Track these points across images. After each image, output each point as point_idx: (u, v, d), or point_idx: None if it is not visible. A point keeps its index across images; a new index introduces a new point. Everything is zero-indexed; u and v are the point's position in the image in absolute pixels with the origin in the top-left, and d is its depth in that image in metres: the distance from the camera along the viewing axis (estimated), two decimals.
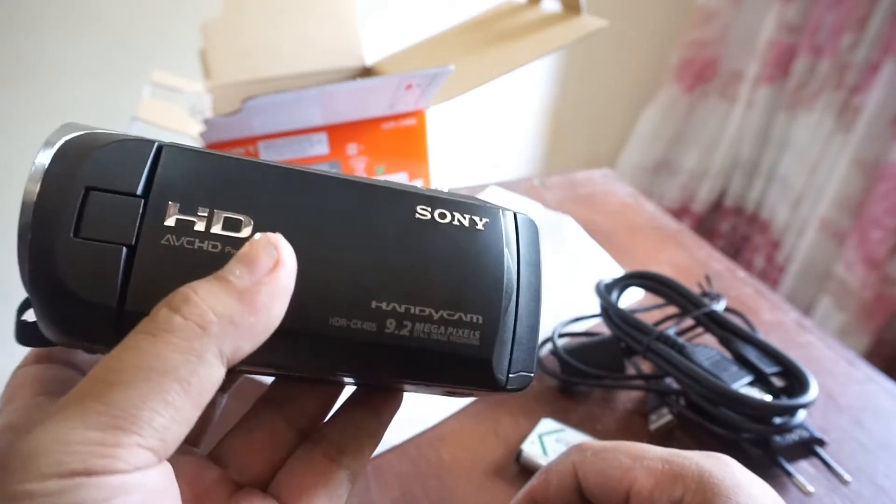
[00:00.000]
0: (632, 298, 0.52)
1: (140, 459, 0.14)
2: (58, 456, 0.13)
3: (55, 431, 0.13)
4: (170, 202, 0.17)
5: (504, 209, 0.20)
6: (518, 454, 0.38)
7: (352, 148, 0.50)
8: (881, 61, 1.02)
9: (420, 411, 0.42)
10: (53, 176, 0.16)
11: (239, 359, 0.16)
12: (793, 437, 0.38)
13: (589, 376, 0.43)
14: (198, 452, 0.20)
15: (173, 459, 0.16)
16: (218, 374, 0.15)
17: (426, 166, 0.54)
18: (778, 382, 0.39)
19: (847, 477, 0.37)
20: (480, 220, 0.19)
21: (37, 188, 0.16)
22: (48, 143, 0.17)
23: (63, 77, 1.07)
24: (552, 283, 0.55)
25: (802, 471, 0.38)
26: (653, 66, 1.44)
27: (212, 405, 0.21)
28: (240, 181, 0.18)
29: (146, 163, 0.17)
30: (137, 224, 0.16)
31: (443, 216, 0.19)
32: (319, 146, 0.49)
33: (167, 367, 0.14)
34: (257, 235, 0.17)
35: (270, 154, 0.48)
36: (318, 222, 0.18)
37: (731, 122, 1.31)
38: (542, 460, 0.37)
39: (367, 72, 0.62)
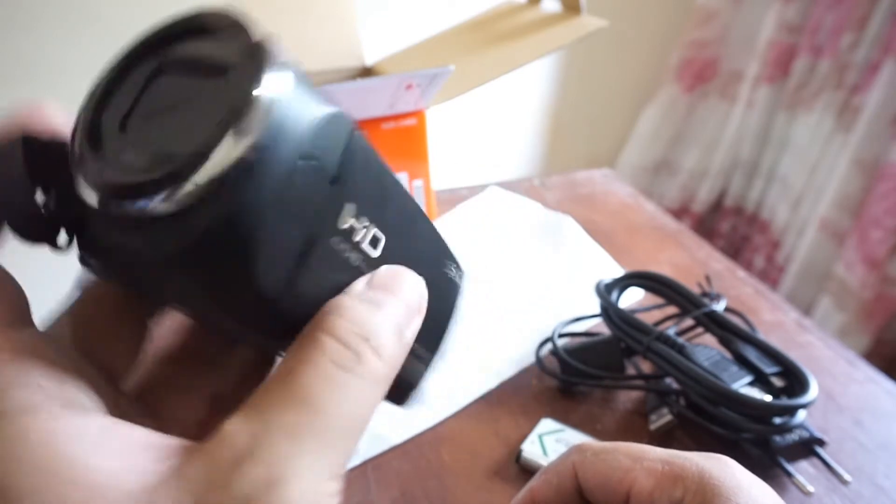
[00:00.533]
0: (632, 298, 0.52)
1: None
2: None
3: (309, 477, 0.13)
4: (349, 204, 0.15)
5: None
6: (518, 454, 0.38)
7: None
8: (881, 61, 1.02)
9: (420, 411, 0.42)
10: (275, 135, 0.14)
11: None
12: (793, 437, 0.38)
13: (589, 376, 0.43)
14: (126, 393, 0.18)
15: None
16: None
17: (426, 166, 0.54)
18: (778, 382, 0.39)
19: (847, 477, 0.37)
20: (458, 271, 0.21)
21: (258, 128, 0.13)
22: (279, 66, 0.14)
23: (63, 77, 1.07)
24: (552, 283, 0.55)
25: (802, 471, 0.38)
26: (653, 66, 1.44)
27: (143, 338, 0.19)
28: (385, 196, 0.17)
29: (341, 143, 0.15)
30: (320, 213, 0.15)
31: (453, 270, 0.21)
32: None
33: (367, 417, 0.15)
34: (414, 278, 0.17)
35: None
36: (410, 262, 0.18)
37: (731, 122, 1.31)
38: (543, 460, 0.37)
39: (367, 72, 0.62)
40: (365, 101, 0.47)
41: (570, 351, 0.44)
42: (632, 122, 1.46)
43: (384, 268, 0.17)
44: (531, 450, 0.38)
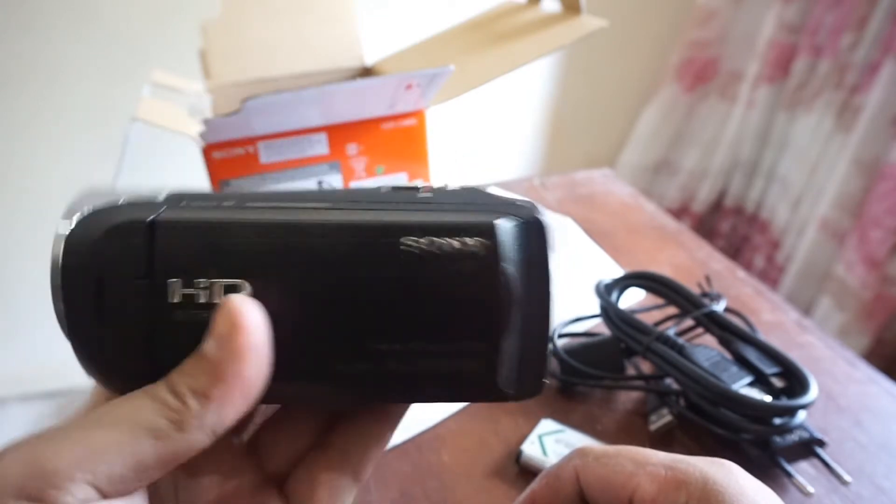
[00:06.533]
0: (632, 299, 0.52)
1: (85, 494, 0.15)
2: (21, 480, 0.15)
3: (30, 455, 0.15)
4: (172, 279, 0.17)
5: (501, 217, 0.19)
6: (518, 455, 0.38)
7: (351, 148, 0.50)
8: (881, 61, 1.02)
9: (420, 411, 0.42)
10: (69, 270, 0.17)
11: (228, 423, 0.17)
12: (793, 437, 0.38)
13: (589, 377, 0.43)
14: (235, 443, 0.22)
15: (218, 450, 0.19)
16: (199, 440, 0.17)
17: (426, 166, 0.54)
18: (778, 383, 0.39)
19: (847, 477, 0.37)
20: (472, 239, 0.18)
21: (59, 282, 0.17)
22: (58, 236, 0.18)
23: (63, 77, 1.07)
24: (552, 284, 0.55)
25: (802, 471, 0.38)
26: (653, 66, 1.44)
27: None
28: (231, 245, 0.18)
29: (143, 244, 0.18)
30: (148, 305, 0.17)
31: (431, 244, 0.18)
32: (319, 146, 0.49)
33: (148, 425, 0.16)
34: (223, 301, 0.17)
35: (270, 154, 0.48)
36: (310, 274, 0.18)
37: (731, 122, 1.31)
38: (543, 461, 0.37)
39: (367, 72, 0.62)
40: (365, 101, 0.47)
41: (570, 351, 0.44)
42: (632, 122, 1.46)
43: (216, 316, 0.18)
44: (531, 450, 0.38)
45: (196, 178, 0.48)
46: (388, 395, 0.20)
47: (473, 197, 0.20)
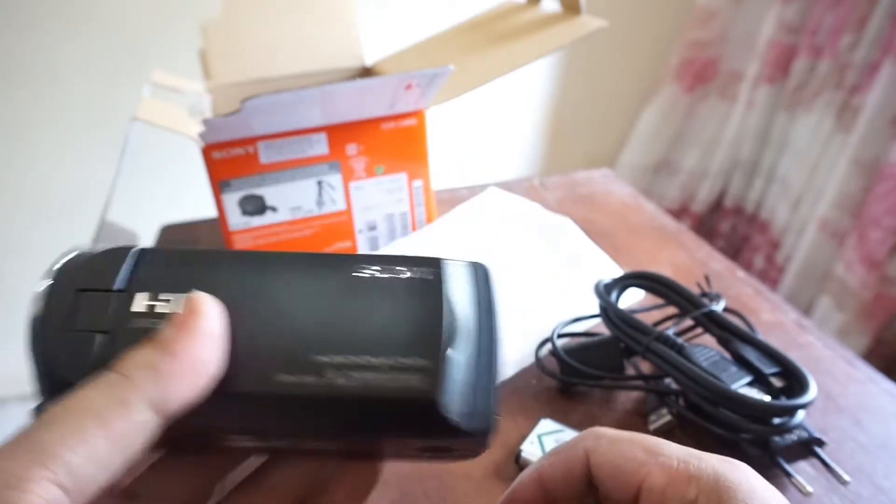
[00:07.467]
0: (631, 299, 0.52)
1: (49, 493, 0.15)
2: None
3: None
4: (139, 293, 0.20)
5: (451, 261, 0.21)
6: (517, 455, 0.38)
7: (351, 148, 0.50)
8: (881, 61, 1.02)
9: None
10: (56, 283, 0.20)
11: (174, 404, 0.17)
12: (792, 437, 0.38)
13: (588, 377, 0.43)
14: None
15: None
16: (144, 419, 0.17)
17: (426, 166, 0.54)
18: (777, 383, 0.39)
19: (846, 477, 0.37)
20: (419, 269, 0.20)
21: (45, 291, 0.20)
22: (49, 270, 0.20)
23: (63, 77, 1.07)
24: (552, 284, 0.55)
25: (801, 471, 0.38)
26: (653, 66, 1.44)
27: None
28: (200, 268, 0.20)
29: (124, 264, 0.20)
30: (112, 313, 0.19)
31: (382, 271, 0.20)
32: (319, 146, 0.49)
33: (88, 407, 0.16)
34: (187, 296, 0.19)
35: (270, 154, 0.48)
36: (263, 291, 0.20)
37: (731, 122, 1.32)
38: None
39: (367, 72, 0.62)
40: (365, 101, 0.47)
41: (569, 351, 0.44)
42: (632, 122, 1.46)
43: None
44: (530, 450, 0.38)
45: (196, 178, 0.48)
46: (331, 421, 0.20)
47: (422, 257, 0.22)
